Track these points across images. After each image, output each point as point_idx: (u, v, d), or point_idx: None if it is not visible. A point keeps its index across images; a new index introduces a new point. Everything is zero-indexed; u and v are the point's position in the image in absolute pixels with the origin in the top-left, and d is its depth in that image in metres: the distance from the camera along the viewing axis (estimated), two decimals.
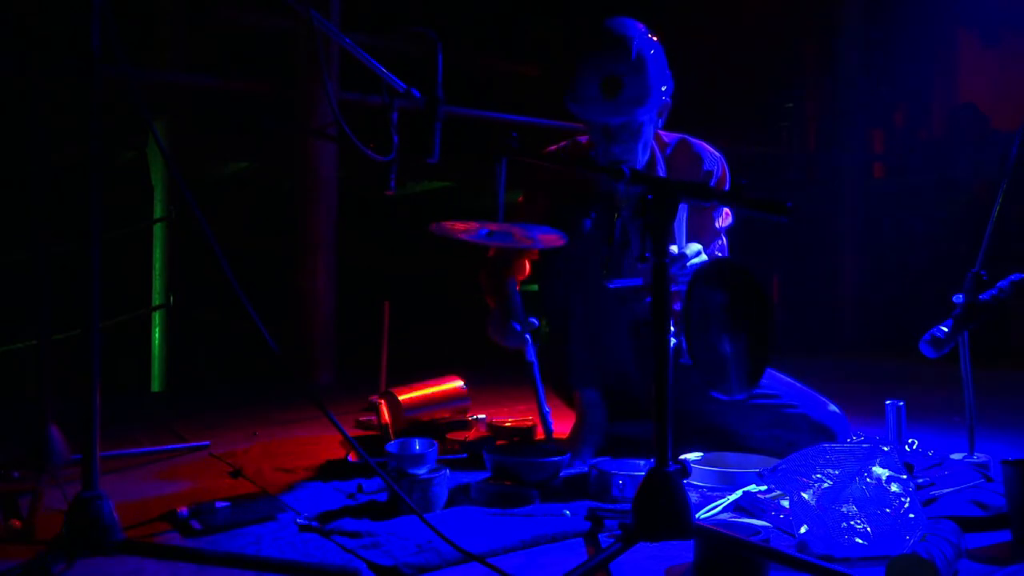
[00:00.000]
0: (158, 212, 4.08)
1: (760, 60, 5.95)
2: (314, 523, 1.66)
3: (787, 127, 6.42)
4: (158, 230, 4.09)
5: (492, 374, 3.96)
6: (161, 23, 4.13)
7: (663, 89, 2.19)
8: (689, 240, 2.15)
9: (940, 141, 6.22)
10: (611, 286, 2.01)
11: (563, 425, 2.49)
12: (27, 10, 3.60)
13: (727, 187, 2.29)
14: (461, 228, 1.69)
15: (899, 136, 6.59)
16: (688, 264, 1.98)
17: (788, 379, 2.26)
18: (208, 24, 4.37)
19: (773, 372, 2.25)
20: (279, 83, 3.90)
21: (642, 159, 2.25)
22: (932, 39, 6.08)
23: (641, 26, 2.20)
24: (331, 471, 2.10)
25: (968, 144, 5.67)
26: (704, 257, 2.03)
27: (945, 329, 2.04)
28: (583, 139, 2.39)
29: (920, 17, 5.72)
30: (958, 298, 2.06)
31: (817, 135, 6.31)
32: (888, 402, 2.15)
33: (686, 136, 2.38)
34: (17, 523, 1.61)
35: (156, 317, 4.10)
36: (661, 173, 2.31)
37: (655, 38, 2.21)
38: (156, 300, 4.07)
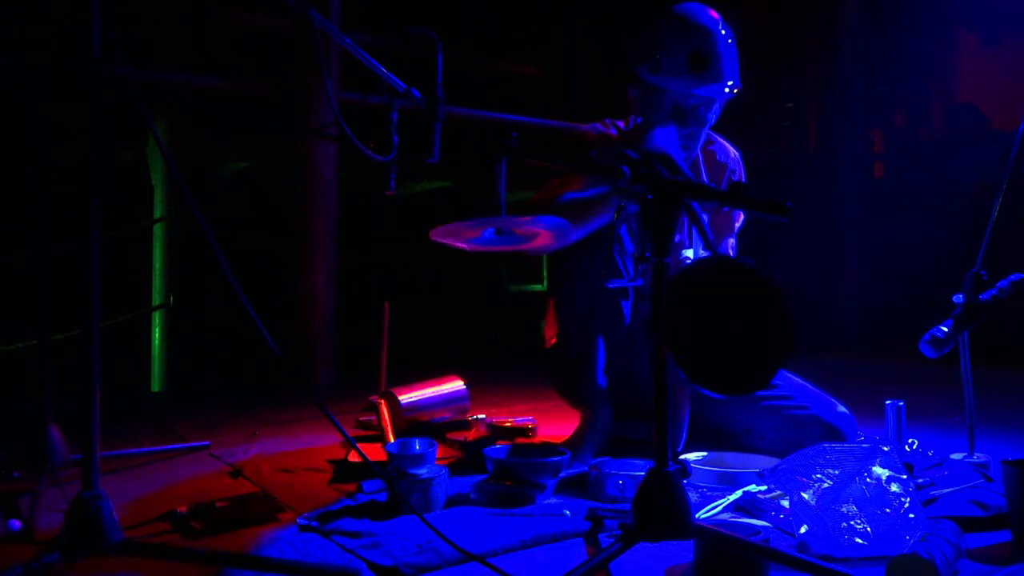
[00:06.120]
0: (158, 212, 4.07)
1: (760, 60, 5.95)
2: (314, 523, 1.66)
3: (787, 127, 6.42)
4: (158, 230, 4.08)
5: (492, 374, 3.96)
6: (161, 23, 4.13)
7: (730, 83, 2.19)
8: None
9: (940, 141, 6.23)
10: (610, 286, 2.01)
11: (563, 426, 2.49)
12: (28, 10, 3.59)
13: None
14: (463, 240, 1.69)
15: (899, 136, 6.60)
16: None
17: (799, 380, 2.25)
18: (208, 24, 4.36)
19: (785, 373, 2.25)
20: (279, 83, 3.90)
21: (697, 149, 2.27)
22: (932, 39, 6.09)
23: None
24: (331, 471, 2.10)
25: (968, 144, 5.67)
26: None
27: (945, 329, 2.04)
28: (587, 126, 2.34)
29: (920, 17, 5.72)
30: (958, 298, 2.06)
31: (817, 135, 6.30)
32: (888, 402, 2.15)
33: (709, 131, 2.36)
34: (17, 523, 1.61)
35: (156, 317, 4.10)
36: (702, 168, 2.32)
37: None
38: (156, 300, 4.07)
